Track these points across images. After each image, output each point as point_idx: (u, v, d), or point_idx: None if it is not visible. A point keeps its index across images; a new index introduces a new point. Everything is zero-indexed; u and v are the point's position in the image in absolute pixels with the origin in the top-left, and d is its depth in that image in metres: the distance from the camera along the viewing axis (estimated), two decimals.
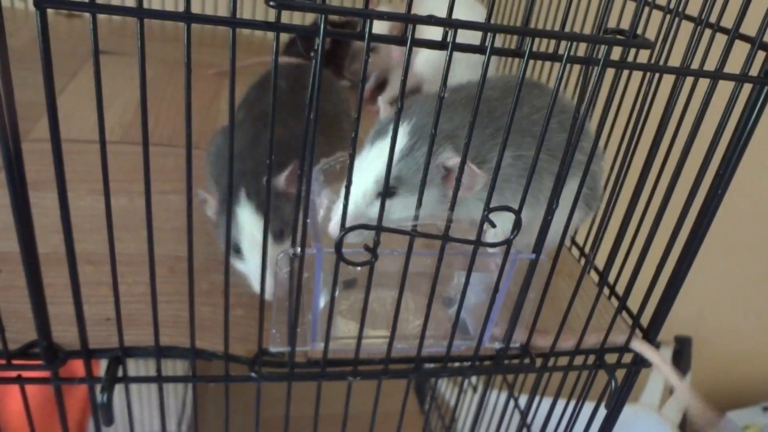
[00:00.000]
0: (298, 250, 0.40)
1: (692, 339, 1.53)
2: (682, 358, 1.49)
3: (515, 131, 0.44)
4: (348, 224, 0.41)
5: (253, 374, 0.44)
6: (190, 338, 0.43)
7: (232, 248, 0.48)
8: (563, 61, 0.36)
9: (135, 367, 0.84)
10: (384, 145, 0.44)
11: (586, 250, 0.63)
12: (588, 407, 0.56)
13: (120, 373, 0.43)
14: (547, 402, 0.58)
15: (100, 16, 1.06)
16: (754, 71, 0.41)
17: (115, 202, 0.61)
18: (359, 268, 0.41)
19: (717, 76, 0.40)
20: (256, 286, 0.48)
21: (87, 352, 0.42)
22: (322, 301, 0.47)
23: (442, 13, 0.34)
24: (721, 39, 0.42)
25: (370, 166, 0.44)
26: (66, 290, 0.47)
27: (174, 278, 0.51)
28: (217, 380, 0.45)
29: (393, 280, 0.53)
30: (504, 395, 0.81)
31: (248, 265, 0.49)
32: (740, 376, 1.79)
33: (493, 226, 0.42)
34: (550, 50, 0.42)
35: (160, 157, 0.67)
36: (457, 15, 0.33)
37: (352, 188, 0.41)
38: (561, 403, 0.57)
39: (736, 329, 1.68)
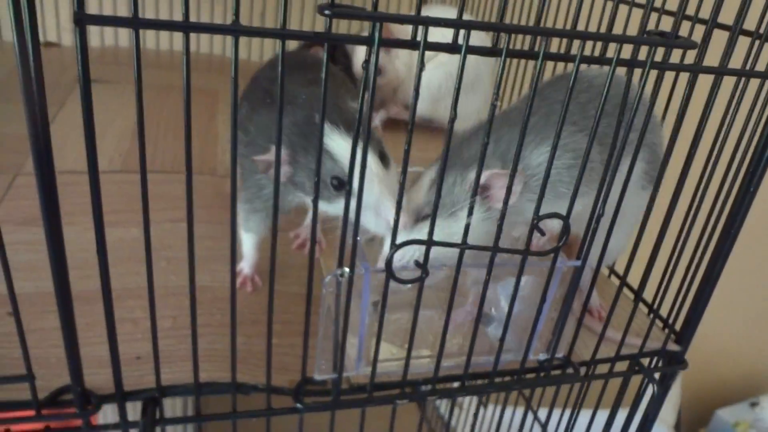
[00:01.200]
0: (346, 270, 0.39)
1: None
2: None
3: (548, 126, 0.44)
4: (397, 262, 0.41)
5: (298, 405, 0.42)
6: (231, 372, 0.40)
7: (331, 185, 0.43)
8: (612, 64, 0.36)
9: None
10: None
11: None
12: (602, 415, 0.55)
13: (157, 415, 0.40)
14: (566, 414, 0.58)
15: (93, 44, 1.03)
16: None
17: (125, 234, 0.58)
18: (408, 286, 0.40)
19: (750, 74, 0.40)
20: (376, 222, 0.43)
21: (122, 395, 0.39)
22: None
23: None
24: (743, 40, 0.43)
25: (408, 199, 0.45)
26: (88, 330, 0.44)
27: (200, 309, 0.48)
28: (260, 414, 0.42)
29: (425, 298, 0.52)
30: (520, 411, 0.80)
31: (371, 195, 0.42)
32: (727, 373, 1.82)
33: (543, 234, 0.42)
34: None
35: (164, 184, 0.64)
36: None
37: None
38: (585, 414, 0.56)
39: (722, 328, 1.72)
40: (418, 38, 0.32)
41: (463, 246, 0.39)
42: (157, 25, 0.30)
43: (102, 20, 0.29)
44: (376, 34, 0.31)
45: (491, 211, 0.44)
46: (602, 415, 0.55)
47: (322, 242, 0.61)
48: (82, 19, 0.29)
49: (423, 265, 0.39)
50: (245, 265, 0.53)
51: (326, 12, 0.30)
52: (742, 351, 1.80)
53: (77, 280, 0.49)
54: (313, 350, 0.42)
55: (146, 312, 0.48)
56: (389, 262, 0.38)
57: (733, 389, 1.82)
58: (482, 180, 0.41)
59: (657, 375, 0.53)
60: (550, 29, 0.34)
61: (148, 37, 1.04)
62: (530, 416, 0.58)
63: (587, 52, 0.36)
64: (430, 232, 0.38)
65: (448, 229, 0.44)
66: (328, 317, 0.41)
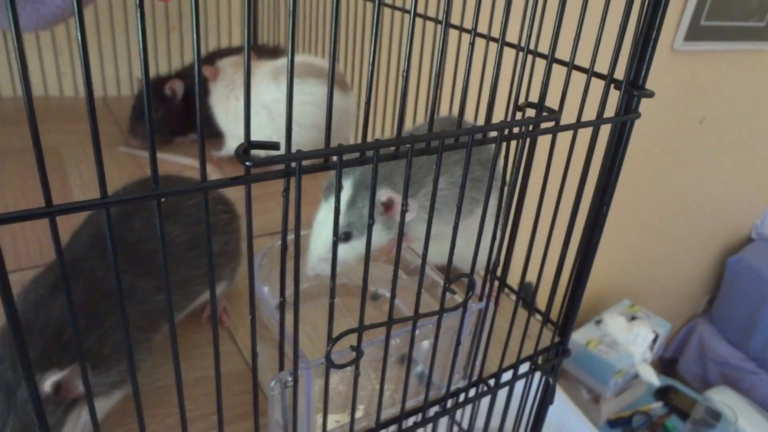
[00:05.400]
0: (289, 379, 0.40)
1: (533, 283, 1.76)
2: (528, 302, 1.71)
3: (449, 164, 0.53)
4: (312, 267, 0.51)
5: None
6: None
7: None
8: (498, 142, 0.41)
9: None
10: (332, 201, 0.52)
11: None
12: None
13: None
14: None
15: None
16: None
17: None
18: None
19: (599, 122, 0.48)
20: None
21: None
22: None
23: None
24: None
25: (326, 218, 0.52)
26: None
27: None
28: None
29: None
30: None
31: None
32: None
33: (453, 293, 0.47)
34: None
35: None
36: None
37: (313, 239, 0.52)
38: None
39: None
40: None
41: (390, 322, 0.43)
42: (73, 208, 0.29)
43: (14, 217, 0.28)
44: (299, 168, 0.33)
45: (390, 227, 0.52)
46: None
47: (227, 310, 0.61)
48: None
49: (357, 348, 0.42)
50: None
51: (247, 164, 0.31)
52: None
53: None
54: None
55: None
56: (329, 354, 0.41)
57: (581, 313, 2.09)
58: (383, 199, 0.50)
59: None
60: (416, 136, 0.37)
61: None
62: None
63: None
64: (362, 314, 0.41)
65: (361, 241, 0.52)
66: (276, 412, 0.43)
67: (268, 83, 0.80)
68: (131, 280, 0.46)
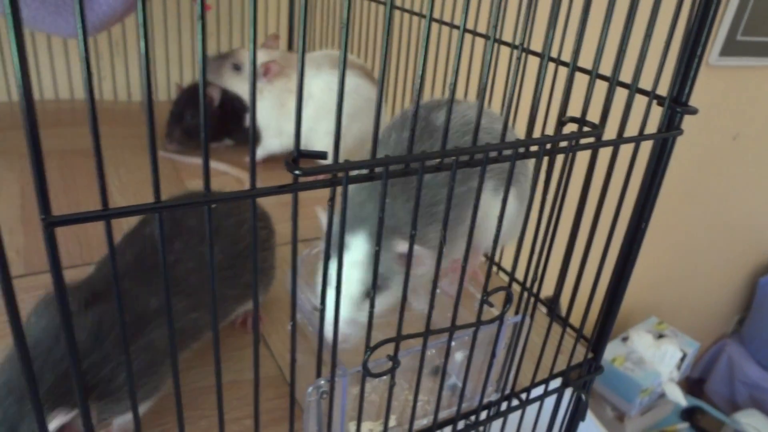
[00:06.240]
0: (325, 391, 0.41)
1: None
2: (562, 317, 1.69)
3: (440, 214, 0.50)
4: (344, 327, 0.45)
5: None
6: None
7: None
8: (540, 156, 0.40)
9: None
10: (350, 258, 0.47)
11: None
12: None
13: None
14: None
15: None
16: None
17: None
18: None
19: (642, 139, 0.47)
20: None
21: None
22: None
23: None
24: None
25: (349, 276, 0.47)
26: None
27: None
28: None
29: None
30: None
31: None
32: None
33: (491, 306, 0.46)
34: None
35: None
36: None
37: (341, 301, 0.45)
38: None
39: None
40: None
41: (427, 333, 0.43)
42: (128, 212, 0.30)
43: (72, 219, 0.28)
44: (346, 179, 0.33)
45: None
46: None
47: (263, 317, 0.61)
48: (50, 224, 0.28)
49: (394, 357, 0.42)
50: None
51: (296, 173, 0.32)
52: None
53: None
54: None
55: None
56: (366, 363, 0.41)
57: None
58: (400, 250, 0.47)
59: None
60: (461, 149, 0.37)
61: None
62: None
63: None
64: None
65: (391, 291, 0.49)
66: (311, 419, 0.43)
67: (313, 74, 0.85)
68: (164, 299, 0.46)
